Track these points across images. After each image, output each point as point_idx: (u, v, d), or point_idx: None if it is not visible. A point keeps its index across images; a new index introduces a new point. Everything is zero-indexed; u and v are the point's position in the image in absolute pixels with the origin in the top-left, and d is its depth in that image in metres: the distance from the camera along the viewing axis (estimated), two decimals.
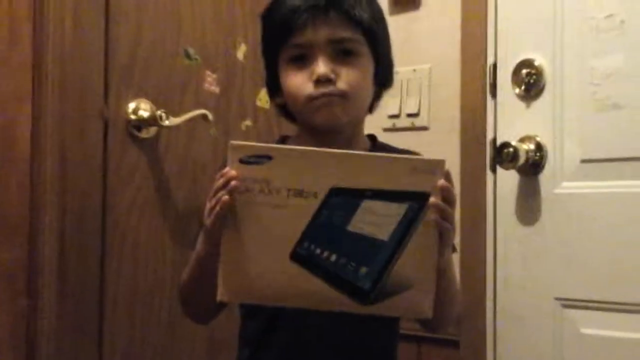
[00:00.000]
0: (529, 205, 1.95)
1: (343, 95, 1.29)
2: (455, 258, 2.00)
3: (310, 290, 1.12)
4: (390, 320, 1.38)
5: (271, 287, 1.13)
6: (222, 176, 1.12)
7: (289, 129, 1.48)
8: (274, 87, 1.39)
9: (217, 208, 1.12)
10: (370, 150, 1.39)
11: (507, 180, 1.99)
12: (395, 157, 1.14)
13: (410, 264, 1.10)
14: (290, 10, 1.30)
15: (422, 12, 2.23)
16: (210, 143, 1.97)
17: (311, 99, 1.29)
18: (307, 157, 1.12)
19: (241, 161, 1.10)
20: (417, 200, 1.09)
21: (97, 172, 1.73)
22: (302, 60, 1.31)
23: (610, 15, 1.86)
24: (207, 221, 1.15)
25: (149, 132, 1.82)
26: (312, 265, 1.12)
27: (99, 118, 1.73)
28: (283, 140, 1.44)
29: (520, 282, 1.95)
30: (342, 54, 1.30)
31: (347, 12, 1.30)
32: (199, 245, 1.26)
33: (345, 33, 1.30)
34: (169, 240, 1.87)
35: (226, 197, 1.11)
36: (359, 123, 1.39)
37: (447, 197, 1.11)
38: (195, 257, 1.28)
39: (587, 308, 1.85)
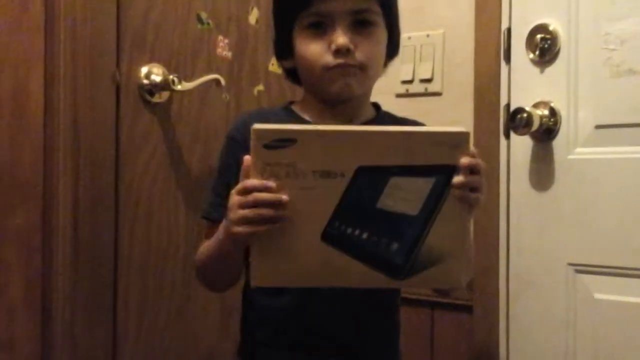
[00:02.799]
0: (542, 171, 1.94)
1: (360, 67, 1.31)
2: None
3: (344, 268, 1.13)
4: None
5: (305, 268, 1.14)
6: (262, 186, 1.10)
7: (302, 93, 1.48)
8: (284, 50, 1.38)
9: (259, 228, 1.11)
10: (374, 119, 1.40)
11: (520, 146, 1.98)
12: (419, 132, 1.14)
13: (441, 236, 1.11)
14: None
15: None
16: (222, 108, 1.97)
17: (328, 68, 1.30)
18: (331, 138, 1.11)
19: (265, 146, 1.09)
20: (443, 173, 1.10)
21: (110, 137, 1.73)
22: (320, 27, 1.31)
23: None
24: (238, 229, 1.13)
25: (161, 97, 1.82)
26: (344, 244, 1.13)
27: (111, 82, 1.73)
28: (289, 106, 1.44)
29: (534, 248, 1.95)
30: (360, 25, 1.31)
31: None
32: (221, 240, 1.24)
33: (365, 4, 1.32)
34: (182, 204, 1.87)
35: (276, 224, 1.10)
36: (367, 95, 1.40)
37: (474, 168, 1.11)
38: (215, 248, 1.28)
39: (600, 273, 1.85)
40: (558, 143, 1.92)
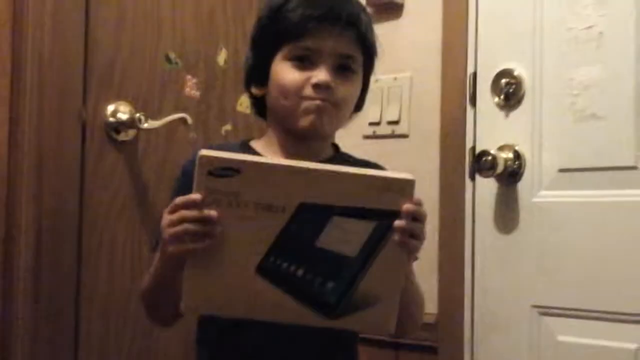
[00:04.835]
0: (507, 213, 1.96)
1: (335, 104, 1.32)
2: (433, 265, 2.03)
3: (276, 303, 1.13)
4: None
5: (236, 299, 1.14)
6: (189, 202, 1.10)
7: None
8: (258, 77, 1.38)
9: (192, 246, 1.11)
10: (332, 158, 1.40)
11: (485, 189, 2.00)
12: (365, 174, 1.13)
13: (377, 280, 1.12)
14: (310, 13, 1.31)
15: (403, 21, 2.24)
16: (189, 147, 1.97)
17: (305, 98, 1.30)
18: (276, 172, 1.11)
19: (210, 173, 1.08)
20: (386, 218, 1.10)
21: (75, 174, 1.73)
22: (303, 61, 1.32)
23: (589, 27, 1.87)
24: (170, 249, 1.14)
25: (127, 135, 1.82)
26: (279, 279, 1.12)
27: (77, 120, 1.73)
28: (244, 144, 1.43)
29: (498, 290, 1.96)
30: (341, 69, 1.33)
31: (361, 33, 1.35)
32: (159, 263, 1.24)
33: (352, 51, 1.34)
34: (146, 242, 1.85)
35: (205, 243, 1.10)
36: (330, 137, 1.42)
37: (416, 216, 1.12)
38: (155, 273, 1.27)
39: (564, 316, 1.85)
40: (522, 186, 1.94)
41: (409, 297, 1.30)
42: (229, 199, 1.09)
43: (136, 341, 1.84)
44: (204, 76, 2.02)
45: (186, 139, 1.95)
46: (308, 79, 1.31)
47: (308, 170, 1.12)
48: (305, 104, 1.31)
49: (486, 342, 1.98)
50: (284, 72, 1.33)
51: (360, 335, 1.46)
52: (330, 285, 1.11)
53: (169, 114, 1.88)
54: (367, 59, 1.38)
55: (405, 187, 1.10)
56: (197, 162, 1.09)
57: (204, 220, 1.10)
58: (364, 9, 1.39)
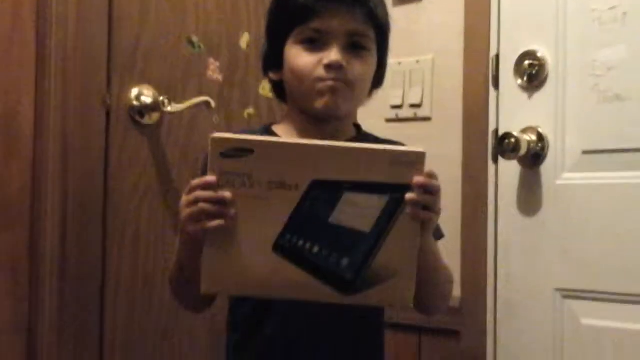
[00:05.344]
0: (530, 196, 1.95)
1: (349, 84, 1.32)
2: (456, 248, 2.03)
3: (293, 281, 1.13)
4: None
5: (254, 278, 1.15)
6: (204, 184, 1.12)
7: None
8: (274, 62, 1.39)
9: (208, 224, 1.12)
10: (354, 139, 1.40)
11: (508, 172, 1.99)
12: (375, 149, 1.14)
13: (392, 254, 1.12)
14: None
15: (425, 3, 2.23)
16: (212, 130, 1.96)
17: (319, 80, 1.31)
18: (287, 150, 1.13)
19: (222, 154, 1.10)
20: (398, 191, 1.10)
21: (99, 158, 1.74)
22: (314, 43, 1.32)
23: (613, 7, 1.85)
24: (187, 229, 1.16)
25: (151, 118, 1.83)
26: (295, 256, 1.13)
27: (102, 104, 1.74)
28: (267, 128, 1.44)
29: (521, 273, 1.95)
30: (353, 47, 1.33)
31: (370, 10, 1.34)
32: (180, 246, 1.27)
33: (362, 28, 1.34)
34: (170, 225, 1.87)
35: (221, 221, 1.11)
36: (350, 116, 1.42)
37: (429, 188, 1.12)
38: (177, 257, 1.30)
39: (587, 299, 1.85)
40: (546, 168, 1.93)
41: (437, 275, 1.31)
42: (243, 179, 1.11)
43: (161, 322, 1.85)
44: (227, 60, 2.03)
45: (209, 122, 1.96)
46: (320, 60, 1.31)
47: (318, 147, 1.13)
48: (319, 85, 1.31)
49: (509, 325, 1.97)
50: (296, 56, 1.33)
51: (386, 320, 1.46)
52: (345, 261, 1.12)
53: (192, 98, 1.89)
54: (380, 36, 1.37)
55: (415, 160, 1.10)
56: (209, 144, 1.10)
57: (218, 201, 1.12)
58: None
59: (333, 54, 1.30)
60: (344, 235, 1.12)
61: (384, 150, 1.13)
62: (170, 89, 1.87)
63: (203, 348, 1.94)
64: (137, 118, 1.80)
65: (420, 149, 1.11)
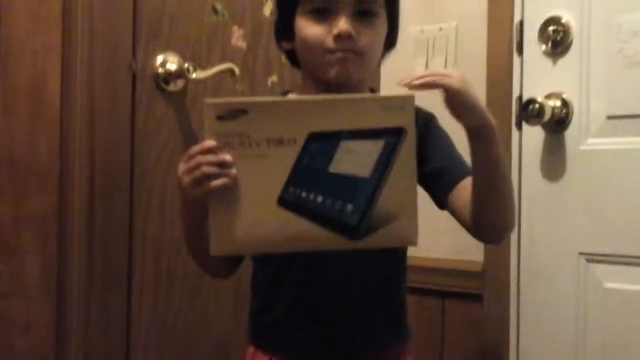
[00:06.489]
0: (554, 161, 1.95)
1: (359, 53, 1.32)
2: None
3: (301, 232, 1.16)
4: (393, 255, 1.41)
5: (263, 235, 1.17)
6: (204, 149, 1.14)
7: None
8: (285, 33, 1.40)
9: (213, 184, 1.14)
10: None
11: (532, 137, 2.00)
12: (364, 97, 1.20)
13: (393, 195, 1.14)
14: None
15: None
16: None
17: (328, 51, 1.31)
18: (281, 107, 1.17)
19: (218, 118, 1.13)
20: (392, 135, 1.13)
21: (126, 124, 1.76)
22: (323, 13, 1.32)
23: None
24: (195, 192, 1.16)
25: (176, 85, 1.84)
26: (300, 208, 1.16)
27: (128, 71, 1.76)
28: (285, 94, 1.46)
29: (545, 238, 1.96)
30: (362, 14, 1.32)
31: None
32: (186, 215, 1.29)
33: None
34: None
35: (225, 180, 1.13)
36: (364, 81, 1.42)
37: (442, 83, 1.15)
38: (186, 228, 1.32)
39: (610, 262, 1.85)
40: (570, 134, 1.93)
41: (495, 180, 1.26)
42: (241, 139, 1.14)
43: (186, 286, 1.88)
44: (250, 27, 2.04)
45: (233, 90, 1.97)
46: (329, 30, 1.31)
47: (310, 101, 1.18)
48: (329, 57, 1.31)
49: (532, 289, 1.98)
50: (305, 27, 1.33)
51: (408, 284, 1.48)
52: (349, 207, 1.14)
53: (216, 65, 1.90)
54: None
55: (405, 103, 1.13)
56: (204, 110, 1.14)
57: (219, 164, 1.14)
58: None
59: (342, 24, 1.30)
60: (345, 182, 1.15)
61: (374, 97, 1.19)
62: (194, 56, 1.88)
63: (229, 311, 1.97)
64: (163, 85, 1.82)
65: (409, 93, 1.14)
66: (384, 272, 1.40)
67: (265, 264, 1.41)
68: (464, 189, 1.30)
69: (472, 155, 1.24)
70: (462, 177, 1.32)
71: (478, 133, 1.21)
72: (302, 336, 1.37)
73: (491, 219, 1.29)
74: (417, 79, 1.16)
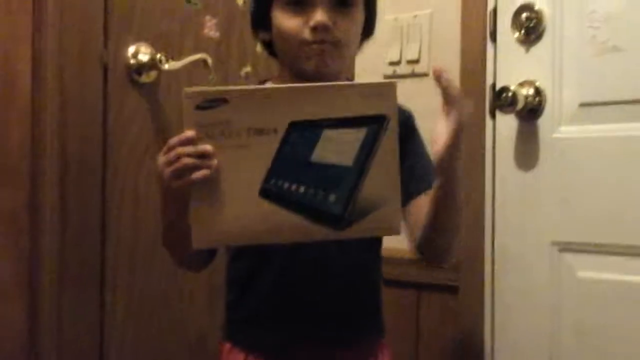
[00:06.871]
0: (527, 150, 1.95)
1: (337, 44, 1.32)
2: None
3: (284, 223, 1.15)
4: (370, 246, 1.41)
5: (245, 226, 1.16)
6: (184, 140, 1.13)
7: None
8: (261, 23, 1.39)
9: (193, 176, 1.12)
10: None
11: (506, 126, 2.00)
12: (345, 84, 1.19)
13: (376, 184, 1.14)
14: None
15: None
16: None
17: (305, 44, 1.31)
18: (261, 96, 1.15)
19: (198, 107, 1.11)
20: (374, 123, 1.13)
21: (97, 116, 1.74)
22: (299, 5, 1.32)
23: None
24: (175, 184, 1.15)
25: (149, 77, 1.82)
26: (282, 199, 1.15)
27: (99, 62, 1.74)
28: (262, 84, 1.45)
29: (518, 227, 1.97)
30: (339, 4, 1.32)
31: None
32: (166, 207, 1.28)
33: None
34: None
35: (206, 171, 1.12)
36: (342, 71, 1.42)
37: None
38: (166, 220, 1.31)
39: (583, 251, 1.86)
40: (543, 122, 1.93)
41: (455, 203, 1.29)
42: (221, 129, 1.12)
43: (161, 284, 1.87)
44: (224, 17, 2.02)
45: (206, 80, 1.96)
46: (305, 21, 1.30)
47: (290, 89, 1.17)
48: (306, 49, 1.31)
49: (506, 279, 1.99)
50: (282, 19, 1.33)
51: (385, 277, 1.48)
52: (332, 196, 1.14)
53: (189, 56, 1.88)
54: None
55: (386, 91, 1.13)
56: (183, 100, 1.12)
57: (200, 155, 1.12)
58: None
59: (318, 15, 1.29)
60: (327, 171, 1.14)
61: (353, 85, 1.18)
62: (167, 47, 1.86)
63: (204, 308, 1.96)
64: (135, 77, 1.80)
65: (391, 80, 1.14)
66: (362, 263, 1.41)
67: (240, 256, 1.41)
68: (421, 207, 1.32)
69: (435, 190, 1.26)
70: (425, 189, 1.34)
71: (446, 171, 1.22)
72: (278, 329, 1.37)
73: (439, 245, 1.34)
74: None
